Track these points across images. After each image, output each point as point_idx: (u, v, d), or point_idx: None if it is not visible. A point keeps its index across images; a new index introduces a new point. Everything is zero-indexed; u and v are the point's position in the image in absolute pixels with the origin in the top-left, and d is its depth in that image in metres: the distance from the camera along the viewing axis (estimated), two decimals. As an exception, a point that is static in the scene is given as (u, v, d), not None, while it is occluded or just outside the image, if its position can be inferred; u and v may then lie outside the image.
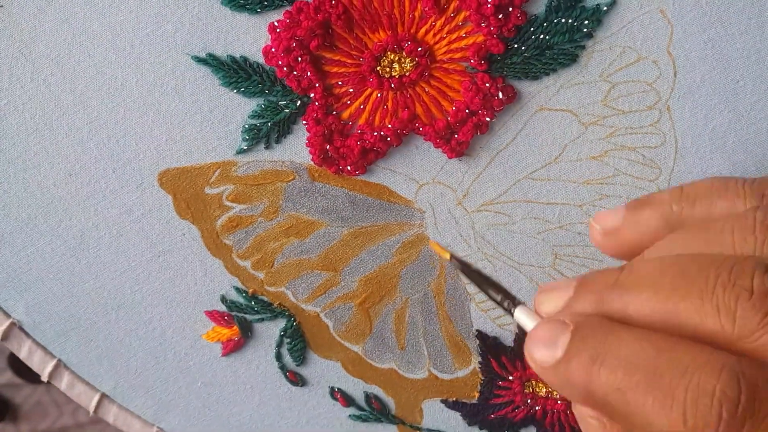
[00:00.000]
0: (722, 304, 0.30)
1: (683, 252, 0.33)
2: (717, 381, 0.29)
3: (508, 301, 0.43)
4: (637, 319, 0.32)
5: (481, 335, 0.58)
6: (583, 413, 0.37)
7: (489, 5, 0.46)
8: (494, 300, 0.44)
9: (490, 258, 0.55)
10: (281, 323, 0.58)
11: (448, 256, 0.51)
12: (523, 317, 0.40)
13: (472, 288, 0.56)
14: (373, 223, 0.54)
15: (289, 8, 0.47)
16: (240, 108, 0.50)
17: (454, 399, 0.61)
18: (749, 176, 0.51)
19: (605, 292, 0.34)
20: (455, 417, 0.62)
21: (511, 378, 0.60)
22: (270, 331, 0.59)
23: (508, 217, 0.54)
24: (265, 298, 0.57)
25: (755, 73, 0.49)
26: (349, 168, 0.52)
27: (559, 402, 0.60)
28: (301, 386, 0.61)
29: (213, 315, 0.58)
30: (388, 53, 0.48)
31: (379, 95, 0.50)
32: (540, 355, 0.35)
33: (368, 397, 0.62)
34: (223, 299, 0.57)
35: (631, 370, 0.31)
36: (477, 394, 0.61)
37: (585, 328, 0.33)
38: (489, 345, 0.59)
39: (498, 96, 0.49)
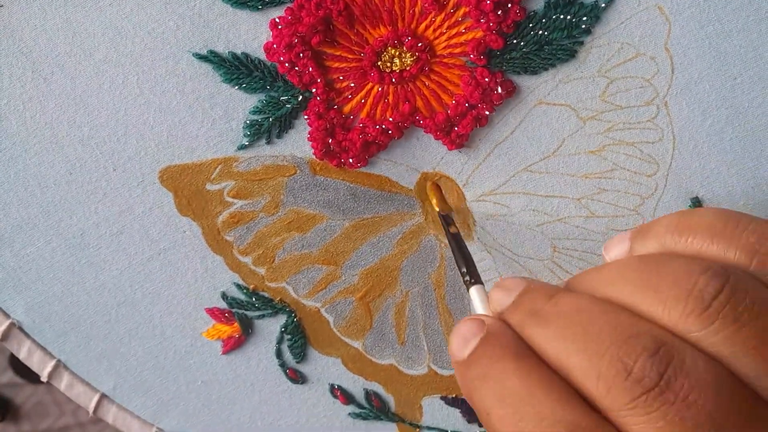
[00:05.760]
0: (603, 374, 0.32)
1: (625, 280, 0.35)
2: None
3: (471, 276, 0.44)
4: (541, 352, 0.35)
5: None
6: None
7: (488, 1, 0.46)
8: (459, 269, 0.46)
9: (489, 249, 0.55)
10: (282, 320, 0.58)
11: (437, 207, 0.52)
12: (475, 297, 0.42)
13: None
14: (374, 215, 0.55)
15: (290, 5, 0.47)
16: (241, 104, 0.50)
17: (454, 396, 0.61)
18: (747, 173, 0.51)
19: (528, 316, 0.36)
20: (455, 414, 0.62)
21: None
22: (270, 328, 0.59)
23: (507, 208, 0.54)
24: (266, 294, 0.57)
25: (753, 69, 0.49)
26: (351, 161, 0.52)
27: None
28: (301, 384, 0.61)
29: (213, 312, 0.58)
30: (389, 48, 0.49)
31: (380, 89, 0.50)
32: (453, 347, 0.38)
33: (368, 394, 0.62)
34: (224, 296, 0.57)
35: (501, 404, 0.34)
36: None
37: (491, 341, 0.36)
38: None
39: (497, 90, 0.49)
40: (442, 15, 0.48)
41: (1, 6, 0.47)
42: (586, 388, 0.32)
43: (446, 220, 0.51)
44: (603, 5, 0.48)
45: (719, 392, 0.31)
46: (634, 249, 0.38)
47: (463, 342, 0.37)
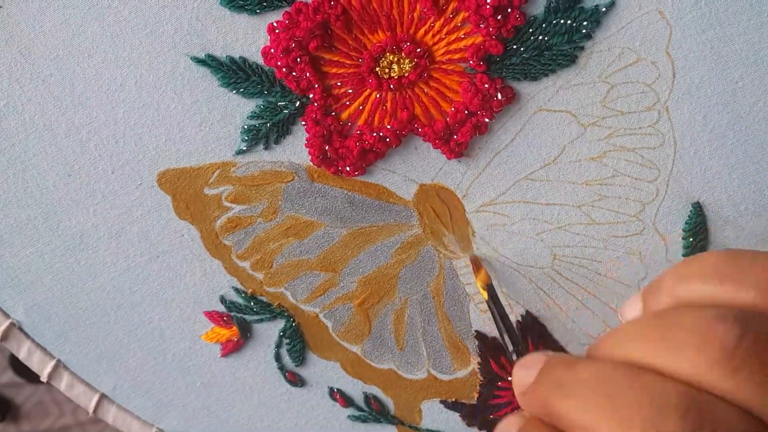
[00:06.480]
0: None
1: (642, 338, 0.33)
2: None
3: (518, 354, 0.45)
4: (568, 426, 0.34)
5: (480, 336, 0.58)
6: None
7: (488, 6, 0.46)
8: (506, 348, 0.46)
9: (489, 259, 0.55)
10: (280, 324, 0.58)
11: (485, 296, 0.52)
12: None
13: (470, 289, 0.56)
14: (372, 224, 0.54)
15: (288, 9, 0.47)
16: (239, 109, 0.50)
17: (453, 399, 0.61)
18: (748, 178, 0.51)
19: (551, 389, 0.35)
20: (454, 417, 0.62)
21: (510, 379, 0.59)
22: (269, 331, 0.59)
23: (507, 218, 0.54)
24: (264, 299, 0.57)
25: (754, 73, 0.49)
26: (348, 169, 0.52)
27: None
28: (300, 387, 0.61)
29: (212, 315, 0.58)
30: (387, 54, 0.48)
31: (378, 96, 0.50)
32: None
33: (367, 397, 0.62)
34: (223, 300, 0.57)
35: None
36: (476, 395, 0.61)
37: None
38: (488, 346, 0.59)
39: (497, 97, 0.49)
40: (441, 20, 0.47)
41: (1, 7, 0.47)
42: None
43: (493, 299, 0.50)
44: (603, 9, 0.47)
45: None
46: (648, 307, 0.37)
47: None
